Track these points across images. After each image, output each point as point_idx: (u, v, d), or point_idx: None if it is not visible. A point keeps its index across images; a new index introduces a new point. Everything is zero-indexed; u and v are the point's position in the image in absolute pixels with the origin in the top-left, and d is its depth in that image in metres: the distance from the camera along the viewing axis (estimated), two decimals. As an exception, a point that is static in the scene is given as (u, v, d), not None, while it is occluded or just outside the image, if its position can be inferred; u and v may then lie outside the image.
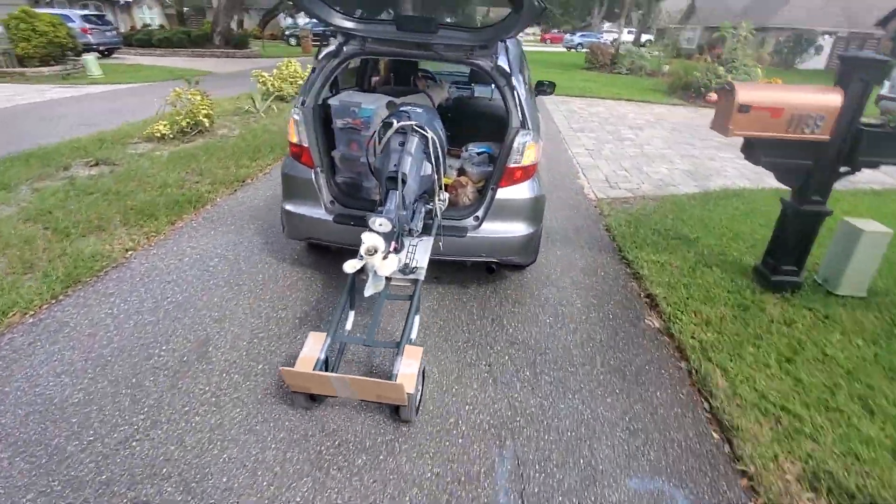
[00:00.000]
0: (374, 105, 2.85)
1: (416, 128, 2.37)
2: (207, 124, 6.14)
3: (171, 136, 5.83)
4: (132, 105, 8.66)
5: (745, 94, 2.64)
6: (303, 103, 2.70)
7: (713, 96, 12.08)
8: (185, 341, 2.43)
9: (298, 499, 1.68)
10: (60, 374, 2.18)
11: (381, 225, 2.11)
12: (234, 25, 38.71)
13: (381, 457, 1.87)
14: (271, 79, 8.64)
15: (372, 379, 1.89)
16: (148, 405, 2.04)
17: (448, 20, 3.56)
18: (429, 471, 1.82)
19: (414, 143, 2.35)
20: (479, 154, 3.28)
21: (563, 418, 2.12)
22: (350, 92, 3.42)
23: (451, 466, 1.85)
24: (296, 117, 2.72)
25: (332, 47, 2.69)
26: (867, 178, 5.76)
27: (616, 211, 4.62)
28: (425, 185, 2.50)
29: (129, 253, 3.27)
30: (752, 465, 1.90)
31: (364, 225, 2.16)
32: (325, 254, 3.40)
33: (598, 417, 2.14)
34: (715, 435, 2.09)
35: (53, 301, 2.72)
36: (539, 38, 53.74)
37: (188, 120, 5.97)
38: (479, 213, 2.73)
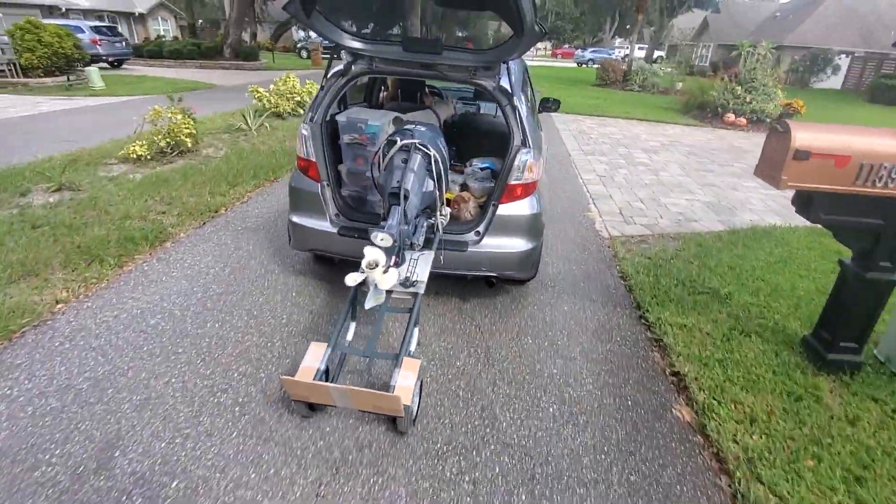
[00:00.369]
0: (380, 121, 2.91)
1: (420, 146, 2.44)
2: (190, 144, 5.71)
3: (148, 157, 5.41)
4: (124, 119, 8.31)
5: (804, 137, 2.11)
6: (311, 119, 2.79)
7: (731, 117, 11.53)
8: (88, 442, 1.92)
9: None
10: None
11: (382, 240, 2.15)
12: (247, 38, 39.21)
13: None
14: (267, 94, 8.26)
15: (369, 390, 1.90)
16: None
17: (456, 39, 3.83)
18: None
19: (417, 160, 2.41)
20: (482, 170, 3.34)
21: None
22: (358, 108, 3.45)
23: None
24: (304, 132, 2.80)
25: (340, 66, 2.80)
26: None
27: (632, 253, 4.07)
28: (427, 201, 2.56)
29: (59, 306, 2.78)
30: None
31: (367, 237, 2.20)
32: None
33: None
34: None
35: (-56, 374, 2.23)
36: (550, 53, 53.65)
37: (168, 140, 5.55)
38: (481, 229, 2.78)
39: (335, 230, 2.84)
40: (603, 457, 2.04)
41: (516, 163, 2.69)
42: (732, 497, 1.90)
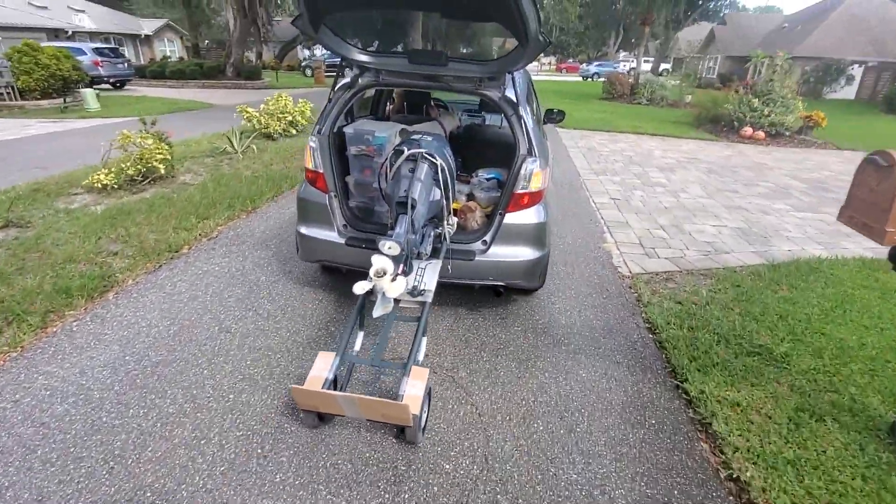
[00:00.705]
0: (387, 133, 2.90)
1: (426, 155, 2.44)
2: (163, 171, 5.22)
3: (115, 186, 4.92)
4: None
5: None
6: (319, 131, 2.83)
7: (748, 130, 10.94)
8: None
9: None
10: None
11: (390, 248, 2.14)
12: (252, 57, 39.55)
13: None
14: (257, 114, 7.82)
15: (378, 398, 1.88)
16: None
17: (461, 52, 3.77)
18: None
19: (423, 169, 2.41)
20: (488, 180, 3.34)
21: None
22: (364, 120, 3.47)
23: None
24: (312, 144, 2.83)
25: (347, 79, 2.83)
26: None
27: (659, 296, 3.47)
28: (434, 210, 2.55)
29: (-51, 387, 2.23)
30: None
31: (375, 248, 2.20)
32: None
33: None
34: None
35: None
36: (555, 67, 53.61)
37: (138, 167, 5.06)
38: (487, 238, 2.78)
39: (343, 241, 2.84)
40: None
41: (522, 172, 2.69)
42: None
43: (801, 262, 4.15)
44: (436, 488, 1.86)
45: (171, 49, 35.03)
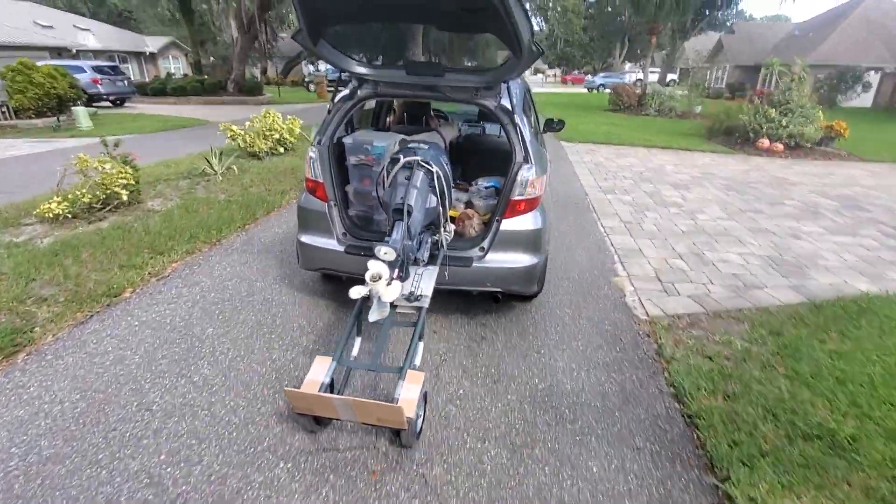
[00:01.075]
0: (385, 143, 2.93)
1: (422, 163, 2.52)
2: (125, 197, 4.74)
3: (69, 214, 4.44)
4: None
5: None
6: (319, 142, 2.87)
7: (765, 142, 10.34)
8: None
9: None
10: None
11: (385, 253, 2.19)
12: (257, 73, 39.75)
13: None
14: (242, 133, 7.38)
15: (373, 401, 1.87)
16: None
17: (462, 63, 3.76)
18: None
19: (419, 177, 2.49)
20: (486, 188, 3.38)
21: None
22: (364, 131, 3.51)
23: None
24: (312, 155, 2.88)
25: (346, 91, 2.89)
26: None
27: (684, 348, 2.88)
28: (431, 217, 2.61)
29: None
30: None
31: (373, 255, 2.22)
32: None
33: None
34: None
35: None
36: (560, 79, 53.37)
37: (97, 194, 4.59)
38: (485, 244, 2.80)
39: (342, 249, 2.88)
40: None
41: (519, 179, 2.72)
42: None
43: (848, 301, 3.55)
44: None
45: (176, 66, 35.27)
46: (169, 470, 1.91)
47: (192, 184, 6.03)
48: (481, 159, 3.72)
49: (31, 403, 2.23)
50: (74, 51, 26.34)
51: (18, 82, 13.66)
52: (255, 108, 19.32)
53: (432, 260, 2.66)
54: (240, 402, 2.29)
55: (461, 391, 2.45)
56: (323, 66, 39.43)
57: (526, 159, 2.73)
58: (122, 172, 4.75)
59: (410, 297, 2.41)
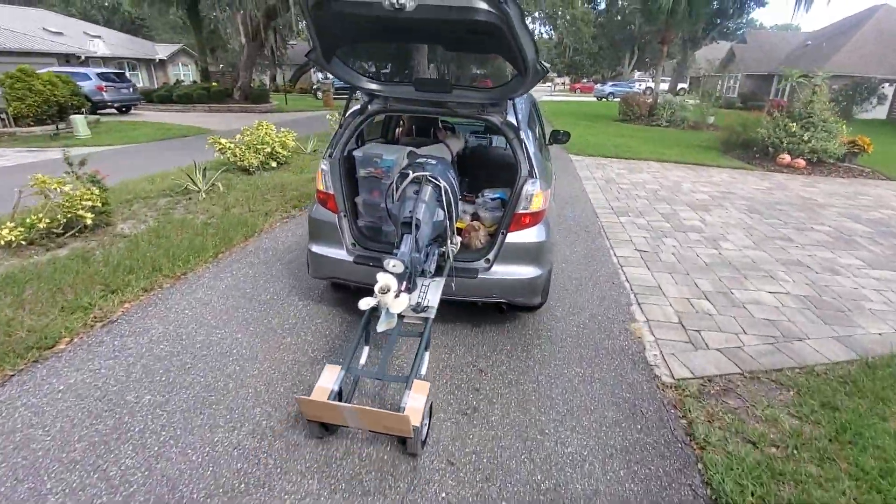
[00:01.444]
0: (394, 156, 3.03)
1: (430, 178, 2.59)
2: (89, 221, 4.32)
3: (23, 241, 4.02)
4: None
5: None
6: (330, 155, 2.99)
7: (786, 158, 9.77)
8: None
9: None
10: None
11: (394, 266, 2.24)
12: (266, 80, 39.74)
13: None
14: (231, 146, 6.97)
15: (380, 410, 1.95)
16: None
17: (469, 79, 4.14)
18: None
19: (428, 191, 2.56)
20: (492, 200, 3.44)
21: None
22: (374, 144, 3.59)
23: None
24: (324, 167, 2.99)
25: (357, 106, 3.03)
26: None
27: (720, 427, 2.36)
28: (438, 230, 2.68)
29: None
30: None
31: (382, 266, 2.28)
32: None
33: None
34: None
35: None
36: (569, 87, 52.98)
37: (59, 217, 4.18)
38: (490, 256, 2.85)
39: (351, 259, 2.94)
40: None
41: (524, 193, 2.78)
42: None
43: (908, 358, 3.01)
44: None
45: (186, 73, 35.33)
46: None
47: (172, 202, 5.61)
48: (487, 171, 3.77)
49: None
50: (83, 58, 26.41)
51: (17, 89, 13.44)
52: (261, 117, 19.13)
53: (439, 271, 2.72)
54: (161, 511, 1.81)
55: (443, 495, 1.95)
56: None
57: (531, 174, 2.79)
58: (87, 194, 4.33)
59: (417, 308, 2.45)
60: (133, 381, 2.53)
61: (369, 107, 2.96)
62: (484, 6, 1.96)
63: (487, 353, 2.96)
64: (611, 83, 40.16)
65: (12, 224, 4.00)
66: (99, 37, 29.95)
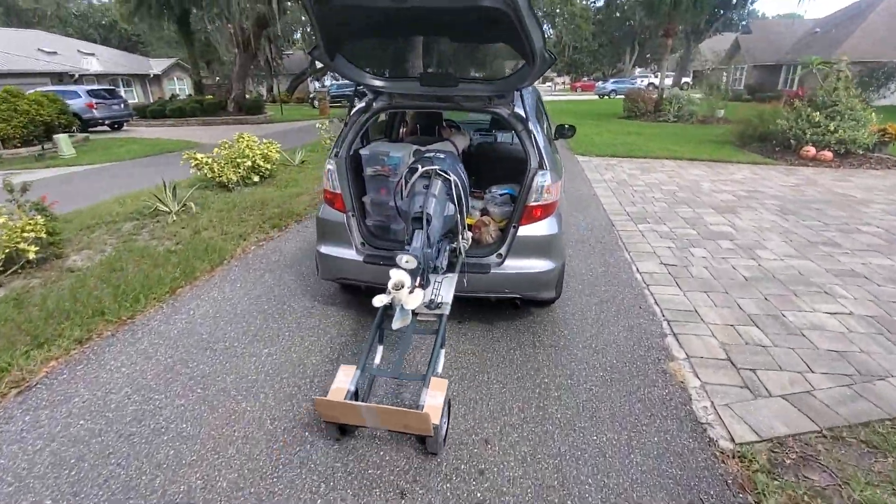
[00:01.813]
0: (401, 153, 2.97)
1: (440, 171, 2.55)
2: (32, 255, 3.76)
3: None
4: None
5: None
6: (336, 154, 2.94)
7: (811, 150, 9.08)
8: None
9: None
10: None
11: (407, 262, 2.21)
12: (263, 91, 39.48)
13: None
14: (208, 161, 6.42)
15: (398, 408, 1.94)
16: None
17: (472, 73, 3.72)
18: None
19: (437, 185, 2.52)
20: (501, 195, 3.40)
21: None
22: (379, 142, 3.54)
23: None
24: (330, 167, 2.94)
25: (362, 104, 3.01)
26: None
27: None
28: (449, 225, 2.66)
29: None
30: None
31: (392, 264, 2.24)
32: None
33: None
34: None
35: None
36: (570, 86, 52.31)
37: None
38: (502, 251, 2.81)
39: (361, 258, 2.90)
40: None
41: (534, 185, 2.75)
42: None
43: None
44: None
45: (181, 87, 35.08)
46: None
47: (138, 227, 5.05)
48: (494, 167, 3.71)
49: None
50: (77, 76, 26.19)
51: (2, 111, 13.08)
52: (256, 128, 18.65)
53: (451, 268, 2.70)
54: None
55: None
56: (328, 80, 39.12)
57: (541, 165, 2.75)
58: (29, 224, 3.77)
59: (431, 305, 2.43)
60: (34, 478, 1.94)
61: (374, 104, 2.92)
62: None
63: (495, 413, 2.34)
64: (612, 80, 39.45)
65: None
66: (93, 54, 29.76)
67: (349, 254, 2.92)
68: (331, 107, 25.63)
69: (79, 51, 29.59)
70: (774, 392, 2.53)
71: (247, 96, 25.44)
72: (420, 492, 1.89)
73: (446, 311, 2.41)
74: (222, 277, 3.88)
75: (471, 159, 3.66)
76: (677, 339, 3.05)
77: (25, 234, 3.75)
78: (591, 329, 3.14)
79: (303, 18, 28.41)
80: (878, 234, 5.00)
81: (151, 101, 28.82)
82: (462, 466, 2.03)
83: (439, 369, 2.27)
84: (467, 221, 2.88)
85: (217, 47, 32.08)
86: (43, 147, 13.11)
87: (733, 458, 2.09)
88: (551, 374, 2.66)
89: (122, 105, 19.66)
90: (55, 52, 27.67)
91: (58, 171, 9.92)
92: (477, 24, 2.46)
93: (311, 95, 35.05)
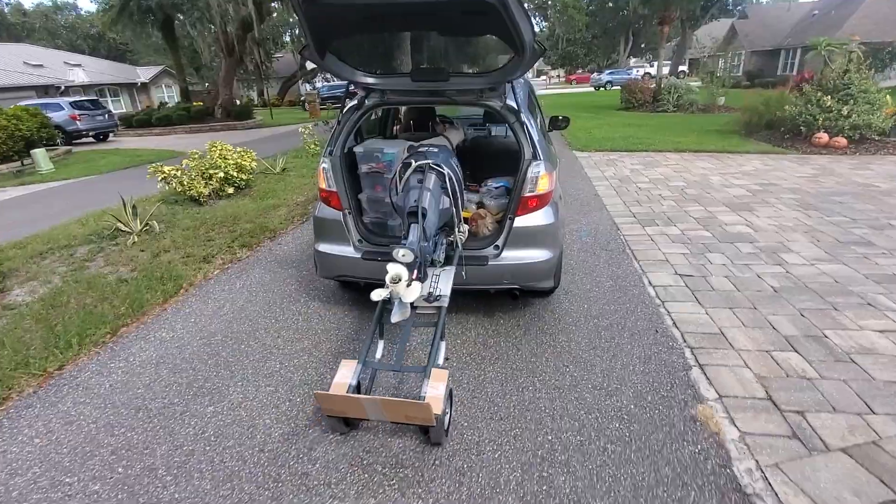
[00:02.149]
0: (395, 149, 2.96)
1: (433, 165, 2.58)
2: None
3: None
4: (12, 221, 6.28)
5: None
6: (330, 153, 2.94)
7: (823, 137, 8.57)
8: None
9: None
10: None
11: (403, 255, 2.25)
12: (254, 96, 38.94)
13: None
14: (177, 174, 5.93)
15: (400, 399, 1.95)
16: None
17: (464, 67, 3.84)
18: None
19: (432, 179, 2.55)
20: (496, 188, 3.41)
21: None
22: (373, 140, 3.52)
23: None
24: (324, 166, 2.95)
25: (354, 101, 3.01)
26: None
27: None
28: (445, 218, 2.68)
29: None
30: None
31: (390, 260, 2.26)
32: None
33: None
34: None
35: None
36: (564, 79, 51.66)
37: None
38: (499, 242, 2.84)
39: (359, 255, 2.92)
40: None
41: (529, 175, 2.76)
42: None
43: None
44: None
45: (170, 94, 34.53)
46: None
47: (93, 251, 4.56)
48: (489, 161, 3.74)
49: None
50: (63, 87, 25.67)
51: (-21, 128, 12.60)
52: (244, 134, 18.15)
53: (448, 261, 2.70)
54: None
55: None
56: (319, 82, 38.57)
57: (535, 156, 2.76)
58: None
59: (430, 298, 2.44)
60: None
61: (366, 101, 2.92)
62: None
63: (487, 491, 1.86)
64: (608, 71, 38.87)
65: None
66: (79, 65, 29.27)
67: (347, 251, 2.95)
68: (321, 109, 25.13)
69: (65, 62, 29.10)
70: (833, 444, 2.04)
71: (237, 101, 24.98)
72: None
73: (445, 303, 2.42)
74: (175, 311, 3.38)
75: (466, 154, 3.63)
76: (704, 373, 2.56)
77: (-51, 270, 3.26)
78: (602, 363, 2.66)
79: (290, 20, 27.83)
80: (914, 229, 4.50)
81: (139, 109, 28.32)
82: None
83: (440, 361, 2.29)
84: (464, 214, 2.90)
85: (200, 53, 31.58)
86: (22, 163, 12.66)
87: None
88: (556, 430, 2.18)
89: (107, 116, 19.17)
90: (41, 65, 27.19)
91: (32, 188, 9.44)
92: (465, 17, 2.46)
93: (302, 98, 34.55)
